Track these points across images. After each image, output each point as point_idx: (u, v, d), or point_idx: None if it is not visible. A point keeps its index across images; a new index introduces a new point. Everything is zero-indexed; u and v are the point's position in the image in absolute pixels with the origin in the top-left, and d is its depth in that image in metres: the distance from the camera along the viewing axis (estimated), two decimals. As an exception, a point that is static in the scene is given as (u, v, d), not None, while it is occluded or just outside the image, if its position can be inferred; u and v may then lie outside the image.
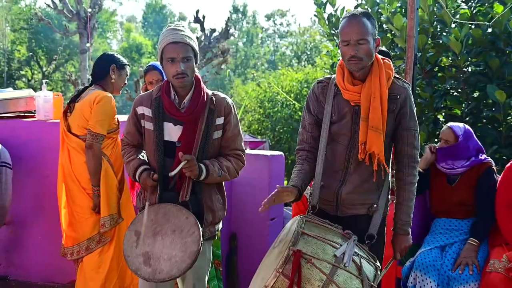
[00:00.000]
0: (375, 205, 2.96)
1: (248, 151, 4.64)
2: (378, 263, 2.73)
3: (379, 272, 2.68)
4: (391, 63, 2.95)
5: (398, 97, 2.89)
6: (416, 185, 3.01)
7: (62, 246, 4.15)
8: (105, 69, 4.10)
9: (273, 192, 2.79)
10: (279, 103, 16.80)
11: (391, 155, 3.07)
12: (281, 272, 2.49)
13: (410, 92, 2.96)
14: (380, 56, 2.93)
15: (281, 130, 16.27)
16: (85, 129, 3.96)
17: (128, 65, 4.25)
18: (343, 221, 2.86)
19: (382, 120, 2.83)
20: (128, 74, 4.24)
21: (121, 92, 4.26)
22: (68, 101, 4.13)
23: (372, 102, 2.82)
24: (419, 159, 3.04)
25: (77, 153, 4.00)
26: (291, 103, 16.24)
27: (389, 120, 2.89)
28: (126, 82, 4.23)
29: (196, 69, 3.14)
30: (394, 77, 2.94)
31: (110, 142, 4.02)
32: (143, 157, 3.21)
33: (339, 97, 2.95)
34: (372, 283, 2.59)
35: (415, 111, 2.99)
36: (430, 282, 3.67)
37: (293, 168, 3.06)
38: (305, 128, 3.08)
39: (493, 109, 5.63)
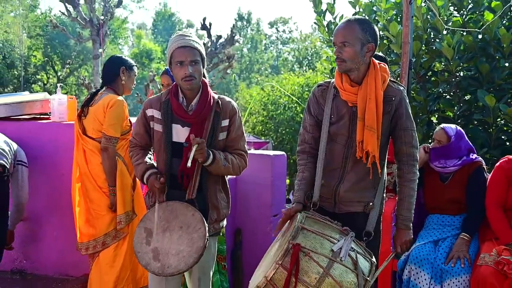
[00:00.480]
0: (371, 203, 2.97)
1: (252, 151, 4.66)
2: (374, 259, 2.73)
3: (374, 268, 2.69)
4: (386, 67, 2.97)
5: (393, 99, 2.91)
6: (417, 182, 3.02)
7: (78, 242, 4.18)
8: (115, 72, 4.11)
9: (282, 218, 2.89)
10: (281, 105, 16.82)
11: (387, 155, 3.08)
12: (281, 264, 2.50)
13: (405, 94, 2.98)
14: (376, 61, 2.95)
15: (283, 132, 16.29)
16: (100, 132, 3.98)
17: (136, 65, 4.27)
18: (340, 218, 2.87)
19: (377, 120, 2.84)
20: (136, 74, 4.26)
21: (131, 91, 4.28)
22: (81, 105, 4.14)
23: (368, 103, 2.84)
24: (418, 157, 3.05)
25: (93, 154, 4.02)
26: (293, 106, 16.26)
27: (385, 120, 2.90)
28: (135, 82, 4.24)
29: (205, 73, 3.16)
30: (390, 80, 2.95)
31: (124, 143, 4.03)
32: (150, 159, 3.22)
33: (337, 99, 2.97)
34: (367, 277, 2.60)
35: (411, 112, 3.00)
36: (424, 274, 3.68)
37: (296, 174, 3.09)
38: (306, 129, 3.09)
39: (484, 111, 5.63)
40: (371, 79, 2.87)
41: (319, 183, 2.99)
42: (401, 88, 2.97)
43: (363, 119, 2.86)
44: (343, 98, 2.93)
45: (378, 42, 2.96)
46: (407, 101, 2.98)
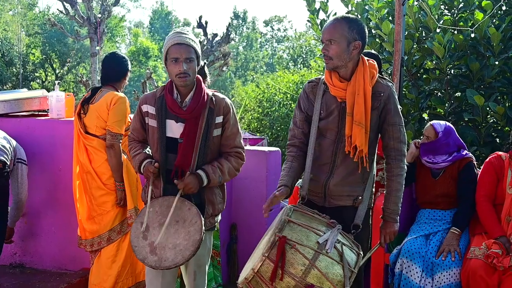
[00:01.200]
0: (360, 197, 2.98)
1: (247, 147, 4.67)
2: (361, 251, 2.74)
3: (361, 259, 2.70)
4: (375, 63, 2.98)
5: (382, 94, 2.92)
6: (404, 176, 3.03)
7: (80, 238, 4.17)
8: (123, 72, 4.14)
9: (271, 198, 2.88)
10: (276, 103, 16.83)
11: (376, 150, 3.09)
12: (267, 257, 2.51)
13: (394, 90, 2.99)
14: (365, 58, 2.96)
15: (278, 128, 16.31)
16: (103, 129, 3.98)
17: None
18: (329, 212, 2.88)
19: (365, 115, 2.85)
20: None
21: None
22: (81, 102, 4.11)
23: (356, 99, 2.85)
24: (406, 152, 3.06)
25: (98, 152, 4.02)
26: (288, 102, 16.28)
27: (373, 116, 2.91)
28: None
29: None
30: (379, 76, 2.96)
31: (127, 139, 4.04)
32: (149, 151, 3.22)
33: (327, 94, 2.98)
34: (353, 269, 2.61)
35: (399, 108, 3.01)
36: (416, 268, 3.70)
37: (283, 164, 3.09)
38: (296, 125, 3.10)
39: (473, 110, 5.65)
40: (359, 75, 2.88)
41: (308, 177, 3.00)
42: (390, 84, 2.98)
43: (351, 114, 2.87)
44: (333, 93, 2.94)
45: (367, 40, 2.96)
46: (396, 97, 2.99)
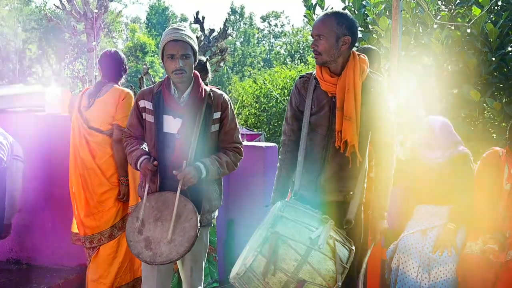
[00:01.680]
0: (351, 193, 2.98)
1: (245, 143, 4.66)
2: (353, 247, 2.74)
3: (353, 255, 2.70)
4: (366, 58, 2.97)
5: (372, 89, 2.92)
6: (393, 171, 3.03)
7: (76, 235, 4.16)
8: (124, 69, 4.19)
9: None
10: (273, 98, 16.84)
11: (368, 145, 3.09)
12: (259, 252, 2.51)
13: (385, 85, 2.99)
14: (357, 53, 2.97)
15: (275, 124, 16.33)
16: (110, 124, 3.98)
17: None
18: (321, 207, 2.88)
19: (355, 110, 2.85)
20: None
21: None
22: (86, 96, 4.11)
23: (346, 93, 2.85)
24: (395, 147, 3.06)
25: (102, 147, 4.01)
26: (285, 98, 16.28)
27: (364, 111, 2.91)
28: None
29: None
30: (370, 71, 2.96)
31: None
32: (145, 148, 3.21)
33: (318, 90, 2.98)
34: (345, 264, 2.61)
35: (390, 103, 3.01)
36: (412, 263, 3.71)
37: (277, 170, 3.14)
38: (287, 121, 3.11)
39: (470, 106, 5.66)
40: (349, 70, 2.88)
41: (300, 172, 3.00)
42: (381, 79, 2.99)
43: (341, 109, 2.87)
44: (323, 88, 2.94)
45: (358, 35, 2.96)
46: (387, 91, 2.99)
